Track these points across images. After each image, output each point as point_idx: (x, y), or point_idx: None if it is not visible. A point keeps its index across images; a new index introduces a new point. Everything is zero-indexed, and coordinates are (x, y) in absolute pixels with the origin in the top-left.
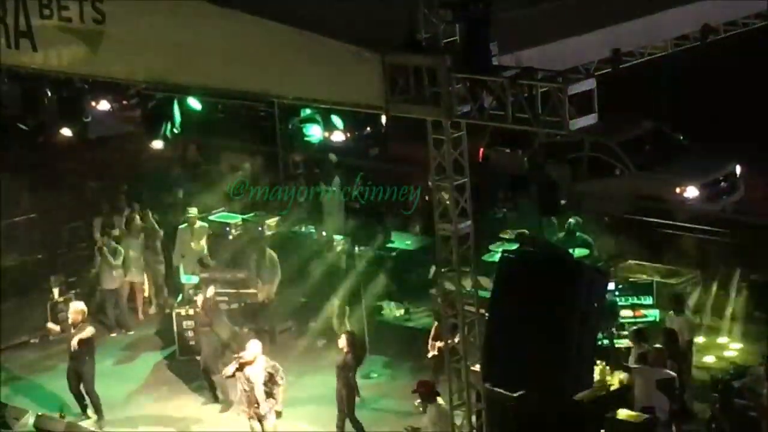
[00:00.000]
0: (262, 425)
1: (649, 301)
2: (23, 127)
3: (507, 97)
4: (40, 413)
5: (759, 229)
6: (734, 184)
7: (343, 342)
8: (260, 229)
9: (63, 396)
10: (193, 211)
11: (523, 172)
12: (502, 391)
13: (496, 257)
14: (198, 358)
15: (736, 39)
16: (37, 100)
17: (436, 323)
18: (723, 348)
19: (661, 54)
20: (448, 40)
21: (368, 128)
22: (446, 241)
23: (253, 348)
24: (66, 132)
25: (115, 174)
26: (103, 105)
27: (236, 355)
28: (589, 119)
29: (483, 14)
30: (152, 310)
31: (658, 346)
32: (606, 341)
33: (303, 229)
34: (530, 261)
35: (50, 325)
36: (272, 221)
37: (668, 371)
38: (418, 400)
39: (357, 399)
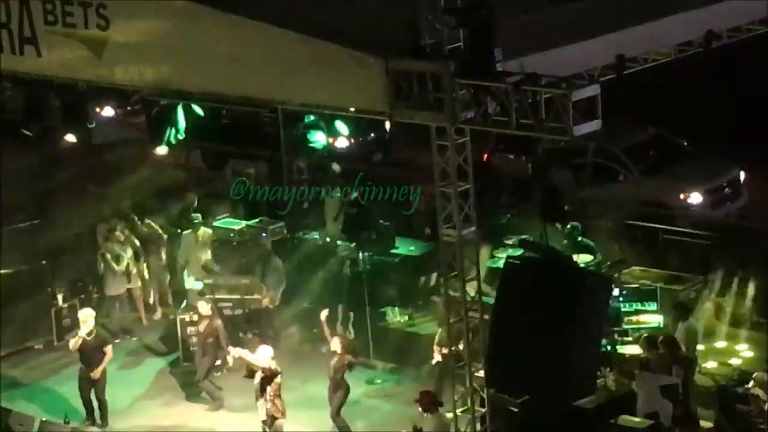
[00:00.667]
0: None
1: (653, 307)
2: (27, 132)
3: (511, 102)
4: (44, 419)
5: (762, 235)
6: (738, 190)
7: (336, 344)
8: (264, 235)
9: (67, 402)
10: (197, 217)
11: (526, 177)
12: (506, 396)
13: (500, 263)
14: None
15: (739, 45)
16: (41, 106)
17: (440, 329)
18: (726, 354)
19: (665, 60)
20: (452, 46)
21: (372, 134)
22: (450, 246)
23: (263, 352)
24: (70, 138)
25: (119, 180)
26: (107, 111)
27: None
28: (593, 125)
29: (487, 20)
30: (156, 316)
31: (661, 352)
32: (609, 347)
33: (307, 235)
34: (534, 267)
35: (72, 344)
36: (276, 227)
37: (671, 377)
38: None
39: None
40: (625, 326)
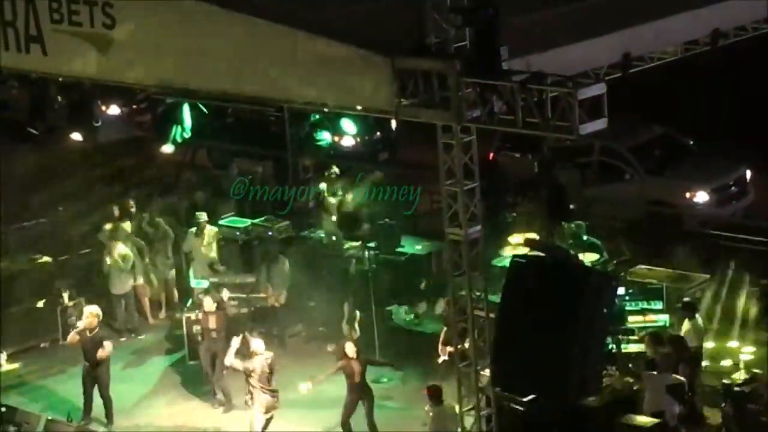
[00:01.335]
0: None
1: (659, 305)
2: (33, 131)
3: (517, 101)
4: (50, 417)
5: None
6: (744, 189)
7: (351, 349)
8: (270, 233)
9: (72, 400)
10: (202, 215)
11: (532, 176)
12: (511, 395)
13: (506, 262)
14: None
15: (745, 43)
16: (47, 104)
17: (446, 328)
18: (733, 353)
19: (671, 59)
20: (458, 44)
21: (378, 133)
22: (456, 245)
23: (254, 345)
24: (76, 136)
25: (124, 178)
26: (113, 110)
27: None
28: (599, 124)
29: (493, 19)
30: (162, 314)
31: (667, 351)
32: (614, 346)
33: (313, 233)
34: (539, 266)
35: (70, 337)
36: (282, 225)
37: (677, 376)
38: (427, 406)
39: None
40: (631, 325)
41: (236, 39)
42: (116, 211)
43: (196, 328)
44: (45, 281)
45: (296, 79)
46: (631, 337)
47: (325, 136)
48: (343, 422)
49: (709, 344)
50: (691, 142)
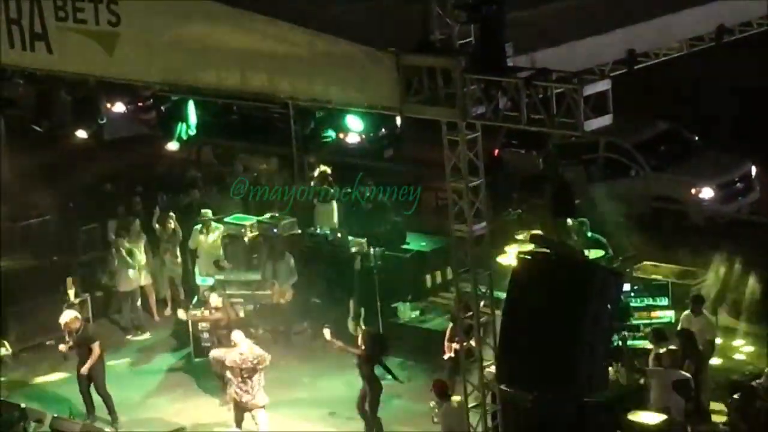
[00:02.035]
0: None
1: (664, 302)
2: (38, 128)
3: (521, 98)
4: (56, 415)
5: None
6: (750, 185)
7: (360, 339)
8: (275, 230)
9: (77, 398)
10: (207, 212)
11: (537, 173)
12: (517, 392)
13: (511, 259)
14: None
15: (751, 39)
16: (51, 102)
17: (451, 324)
18: (739, 349)
19: (676, 55)
20: (463, 41)
21: (383, 129)
22: (461, 242)
23: (235, 336)
24: (81, 134)
25: (130, 176)
26: (118, 107)
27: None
28: (604, 120)
29: (497, 15)
30: (168, 312)
31: (672, 347)
32: (620, 342)
33: (318, 230)
34: (545, 262)
35: (62, 347)
36: (287, 222)
37: (683, 372)
38: (433, 402)
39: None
40: (637, 321)
41: (241, 36)
42: (122, 209)
43: (202, 325)
44: (50, 279)
45: (301, 76)
46: (636, 334)
47: (330, 133)
48: (358, 405)
49: (717, 340)
50: (697, 138)
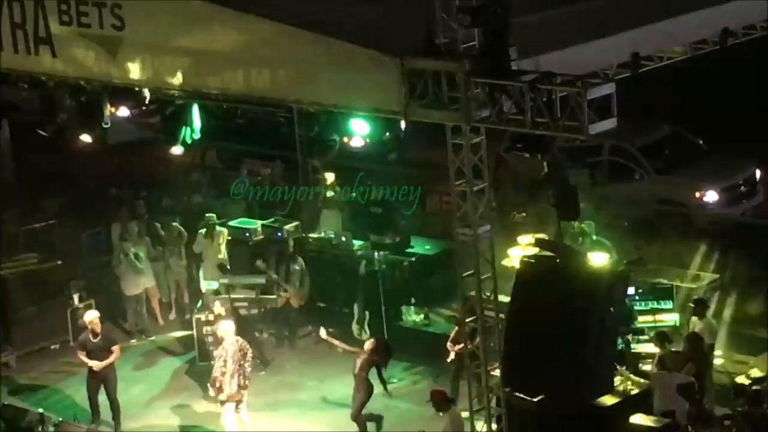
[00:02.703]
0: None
1: (668, 305)
2: (42, 133)
3: (526, 101)
4: (61, 419)
5: None
6: (754, 188)
7: (368, 344)
8: (279, 234)
9: (81, 402)
10: (212, 216)
11: (542, 176)
12: (521, 395)
13: (516, 262)
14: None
15: (755, 43)
16: (56, 106)
17: (456, 328)
18: (741, 353)
19: (680, 58)
20: (467, 44)
21: (387, 133)
22: (466, 245)
23: (224, 327)
24: (85, 138)
25: (134, 180)
26: (123, 111)
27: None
28: (608, 123)
29: (501, 19)
30: (172, 315)
31: (676, 350)
32: (625, 346)
33: (322, 234)
34: (549, 266)
35: (81, 355)
36: (292, 226)
37: (687, 375)
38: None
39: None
40: (641, 325)
41: (245, 40)
42: (126, 213)
43: (207, 329)
44: (55, 283)
45: (305, 80)
46: (641, 337)
47: (335, 137)
48: (352, 415)
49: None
50: (701, 142)
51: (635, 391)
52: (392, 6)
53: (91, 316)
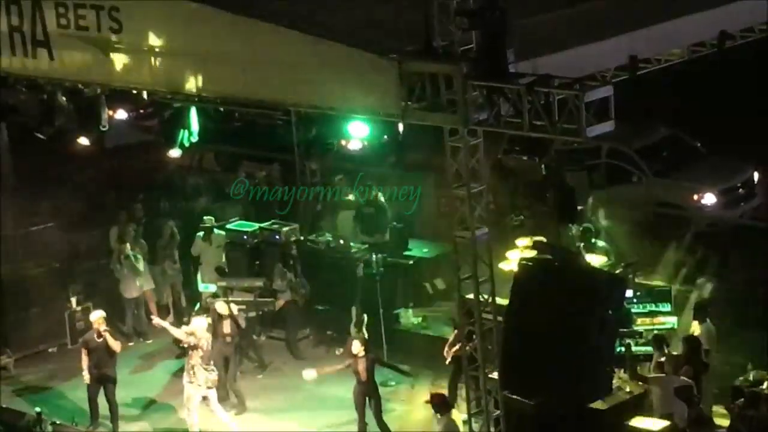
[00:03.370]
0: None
1: (667, 308)
2: (40, 136)
3: (523, 104)
4: (58, 422)
5: None
6: (752, 191)
7: (357, 347)
8: (277, 237)
9: (80, 405)
10: (209, 219)
11: (540, 179)
12: (519, 398)
13: (514, 265)
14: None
15: (753, 45)
16: (53, 109)
17: (455, 331)
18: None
19: (678, 61)
20: (465, 47)
21: (385, 136)
22: (464, 248)
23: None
24: (83, 141)
25: (132, 183)
26: (120, 114)
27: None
28: (606, 126)
29: (499, 21)
30: (170, 318)
31: (674, 353)
32: (623, 348)
33: (320, 237)
34: (547, 268)
35: (84, 365)
36: (290, 229)
37: (686, 378)
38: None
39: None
40: (639, 327)
41: (243, 43)
42: (124, 216)
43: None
44: (53, 286)
45: (303, 83)
46: (639, 340)
47: (332, 140)
48: (378, 423)
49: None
50: (699, 144)
51: (633, 394)
52: (390, 9)
53: (96, 316)
